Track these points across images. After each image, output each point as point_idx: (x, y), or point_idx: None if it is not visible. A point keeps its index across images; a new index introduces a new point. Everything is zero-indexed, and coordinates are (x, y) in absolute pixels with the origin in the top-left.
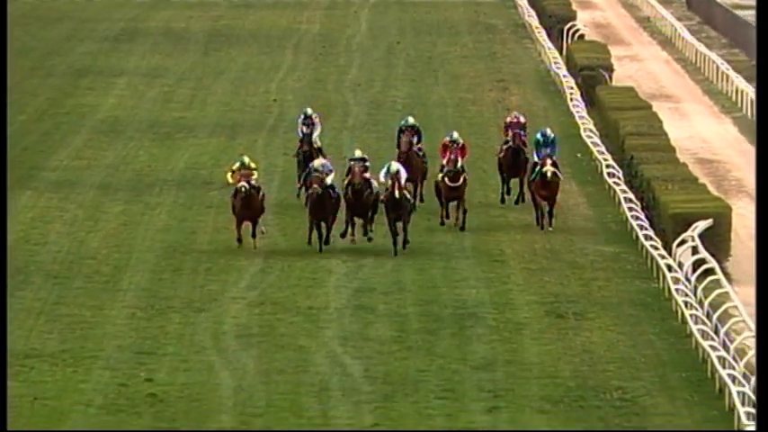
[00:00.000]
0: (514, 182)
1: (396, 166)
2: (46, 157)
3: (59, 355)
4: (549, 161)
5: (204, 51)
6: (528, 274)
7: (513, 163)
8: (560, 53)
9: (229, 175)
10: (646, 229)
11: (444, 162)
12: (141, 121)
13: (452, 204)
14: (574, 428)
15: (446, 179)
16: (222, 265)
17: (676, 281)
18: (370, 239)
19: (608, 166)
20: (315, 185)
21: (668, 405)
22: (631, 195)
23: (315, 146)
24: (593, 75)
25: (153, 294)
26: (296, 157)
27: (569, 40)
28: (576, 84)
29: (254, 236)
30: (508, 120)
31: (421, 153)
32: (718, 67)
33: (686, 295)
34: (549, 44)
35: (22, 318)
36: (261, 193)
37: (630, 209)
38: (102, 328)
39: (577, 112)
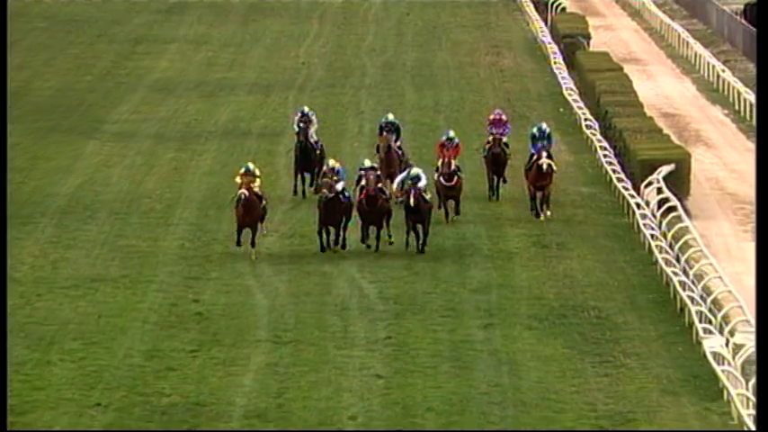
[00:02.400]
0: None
1: (416, 170)
2: (108, 112)
3: (120, 279)
4: (544, 153)
5: (243, 21)
6: (518, 212)
7: (493, 165)
8: (545, 23)
9: (238, 178)
10: (618, 172)
11: (439, 164)
12: (189, 81)
13: (450, 201)
14: (556, 344)
15: (442, 179)
16: None
17: (644, 216)
18: (390, 243)
19: (586, 119)
20: (324, 190)
21: (637, 322)
22: (606, 144)
23: (311, 140)
24: (573, 41)
25: (199, 228)
26: (294, 152)
27: (553, 13)
28: (560, 49)
29: (253, 245)
30: (491, 117)
31: (400, 152)
32: (679, 35)
33: (652, 229)
34: (536, 15)
35: (89, 247)
36: (263, 201)
37: (605, 155)
38: (156, 256)
39: (559, 73)
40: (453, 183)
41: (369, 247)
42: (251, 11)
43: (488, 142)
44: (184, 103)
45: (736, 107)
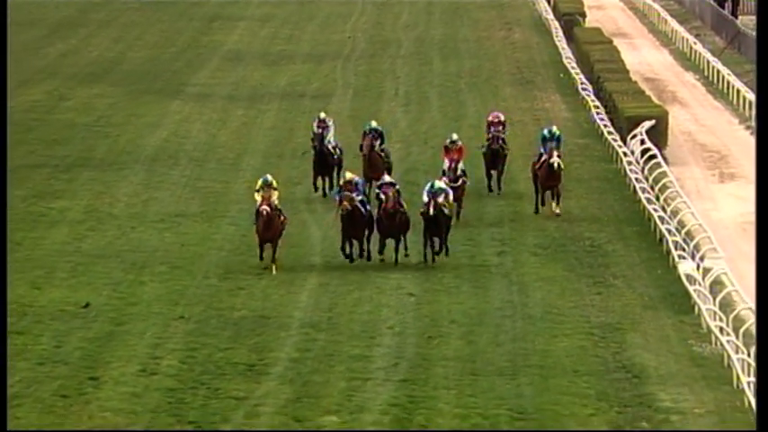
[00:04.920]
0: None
1: (439, 183)
2: (189, 77)
3: (199, 214)
4: (555, 153)
5: (300, 2)
6: (524, 160)
7: (492, 161)
8: (548, 3)
9: (256, 194)
10: (608, 126)
11: (445, 166)
12: (255, 52)
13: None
14: (557, 268)
15: (447, 180)
16: None
17: (629, 163)
18: (406, 256)
19: (582, 83)
20: (344, 203)
21: (623, 250)
22: (598, 103)
23: (329, 146)
24: (571, 19)
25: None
26: (312, 158)
27: None
28: (560, 25)
29: (273, 260)
30: (489, 118)
31: (383, 154)
32: (659, 14)
33: (636, 173)
34: None
35: (173, 189)
36: (281, 216)
37: (597, 113)
38: (228, 196)
39: (560, 44)
40: (458, 184)
41: (383, 260)
42: None
43: (488, 140)
44: (251, 70)
45: (706, 73)
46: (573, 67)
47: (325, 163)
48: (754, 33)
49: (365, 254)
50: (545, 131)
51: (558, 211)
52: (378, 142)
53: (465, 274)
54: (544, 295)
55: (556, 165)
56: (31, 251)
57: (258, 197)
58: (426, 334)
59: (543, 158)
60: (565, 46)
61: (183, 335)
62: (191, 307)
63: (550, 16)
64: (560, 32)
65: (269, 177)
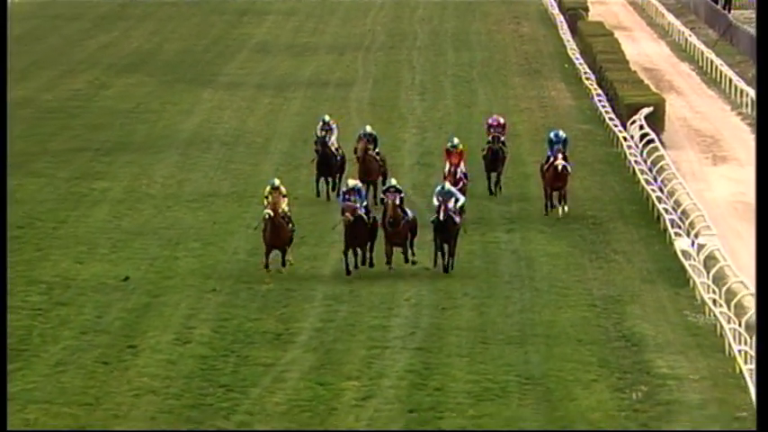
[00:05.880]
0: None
1: (448, 186)
2: (221, 67)
3: (230, 195)
4: (560, 156)
5: None
6: (531, 145)
7: (492, 161)
8: None
9: (265, 201)
10: (609, 113)
11: (447, 167)
12: (282, 44)
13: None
14: (562, 244)
15: (448, 182)
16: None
17: (629, 147)
18: (414, 263)
19: (585, 73)
20: (347, 215)
21: (623, 227)
22: (600, 91)
23: (332, 148)
24: (575, 13)
25: (291, 156)
26: (315, 160)
27: None
28: (565, 19)
29: (283, 264)
30: (490, 121)
31: (378, 158)
32: (656, 8)
33: (636, 156)
34: None
35: (206, 170)
36: (290, 224)
37: (600, 100)
38: (258, 177)
39: (565, 37)
40: (459, 186)
41: (391, 269)
42: None
43: (489, 142)
44: (278, 61)
45: (700, 64)
46: (577, 58)
47: (328, 165)
48: (746, 26)
49: (368, 262)
50: (551, 135)
51: (566, 209)
52: (371, 146)
53: (476, 251)
54: (550, 270)
55: (560, 167)
56: (74, 228)
57: (266, 202)
58: (440, 305)
59: (550, 161)
60: (569, 38)
61: (214, 306)
62: (222, 280)
63: (556, 11)
64: (565, 26)
65: (276, 181)
